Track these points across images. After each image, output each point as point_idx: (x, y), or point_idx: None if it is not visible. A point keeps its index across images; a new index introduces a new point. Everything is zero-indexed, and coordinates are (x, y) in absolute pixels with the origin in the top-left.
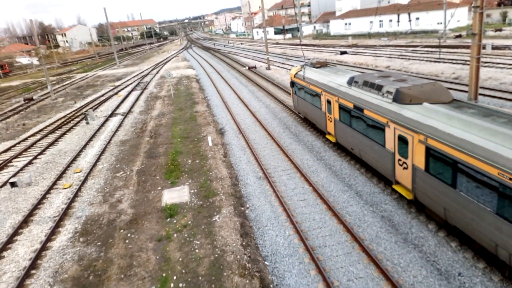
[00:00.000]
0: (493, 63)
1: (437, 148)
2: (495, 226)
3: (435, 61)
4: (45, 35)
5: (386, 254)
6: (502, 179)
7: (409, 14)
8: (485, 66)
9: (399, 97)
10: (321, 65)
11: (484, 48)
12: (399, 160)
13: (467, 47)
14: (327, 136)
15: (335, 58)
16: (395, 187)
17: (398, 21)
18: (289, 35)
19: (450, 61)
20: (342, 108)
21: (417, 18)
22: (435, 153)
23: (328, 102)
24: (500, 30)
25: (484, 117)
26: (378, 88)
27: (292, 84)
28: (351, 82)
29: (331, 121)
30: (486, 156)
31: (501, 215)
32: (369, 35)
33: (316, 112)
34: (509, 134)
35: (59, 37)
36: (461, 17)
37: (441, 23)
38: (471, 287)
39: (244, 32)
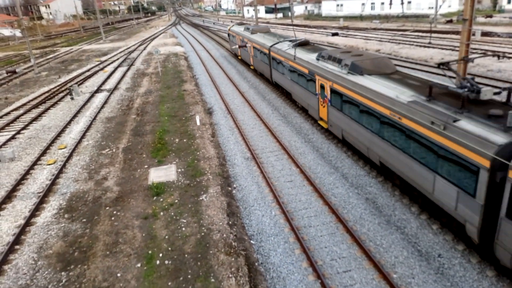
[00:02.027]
0: (482, 49)
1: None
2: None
3: (425, 46)
4: (28, 6)
5: (369, 235)
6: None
7: None
8: (473, 53)
9: (251, 31)
10: (240, 24)
11: (473, 34)
12: (253, 56)
13: (457, 32)
14: (238, 57)
15: (326, 39)
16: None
17: (390, 4)
18: (280, 15)
19: (440, 46)
20: (241, 40)
21: (409, 2)
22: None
23: (239, 39)
24: (491, 16)
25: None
26: (248, 29)
27: (228, 35)
28: (244, 29)
29: (239, 50)
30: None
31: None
32: (361, 18)
33: (235, 48)
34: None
35: (42, 9)
36: (453, 2)
37: (432, 7)
38: (450, 268)
39: (235, 10)
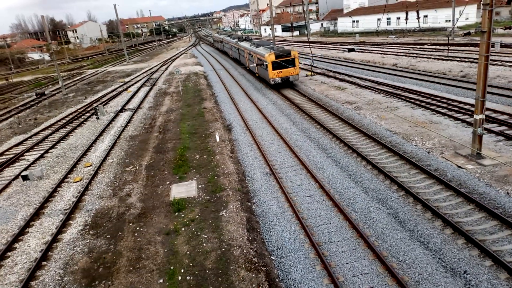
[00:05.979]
0: (502, 61)
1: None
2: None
3: (443, 59)
4: (56, 31)
5: (392, 251)
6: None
7: (417, 12)
8: (493, 64)
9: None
10: (216, 32)
11: (492, 46)
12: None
13: (476, 45)
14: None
15: (342, 55)
16: None
17: (406, 19)
18: (296, 33)
19: (458, 59)
20: (222, 43)
21: (425, 16)
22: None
23: (218, 40)
24: (510, 28)
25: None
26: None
27: (212, 39)
28: (221, 34)
29: (217, 44)
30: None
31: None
32: (377, 33)
33: (217, 45)
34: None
35: (70, 33)
36: (470, 15)
37: (449, 20)
38: (477, 285)
39: (252, 29)
